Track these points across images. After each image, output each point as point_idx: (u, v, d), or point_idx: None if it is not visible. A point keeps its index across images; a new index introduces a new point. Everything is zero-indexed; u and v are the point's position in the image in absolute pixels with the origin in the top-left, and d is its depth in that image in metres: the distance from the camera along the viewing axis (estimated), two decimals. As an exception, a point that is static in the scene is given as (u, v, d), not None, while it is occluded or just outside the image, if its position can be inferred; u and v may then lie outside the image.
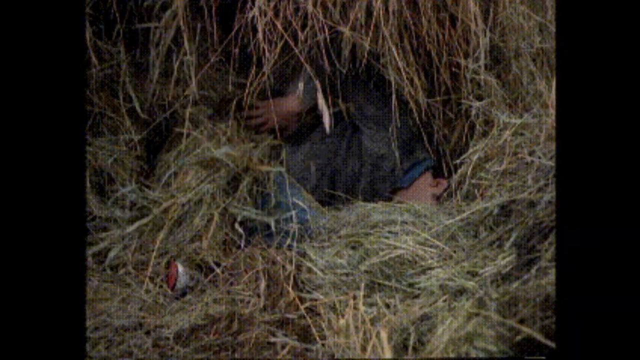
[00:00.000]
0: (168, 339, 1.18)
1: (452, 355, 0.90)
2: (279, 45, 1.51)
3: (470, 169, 1.55)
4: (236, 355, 1.12)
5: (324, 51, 1.55)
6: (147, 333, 1.21)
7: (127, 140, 1.74)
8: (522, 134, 1.51)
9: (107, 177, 1.68)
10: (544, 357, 0.84)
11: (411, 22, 1.62)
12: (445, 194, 1.69)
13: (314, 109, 1.79)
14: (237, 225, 1.55)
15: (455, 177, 1.65)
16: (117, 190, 1.62)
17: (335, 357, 1.05)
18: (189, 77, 1.62)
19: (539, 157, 1.30)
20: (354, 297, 1.16)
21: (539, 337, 0.83)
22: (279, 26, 1.49)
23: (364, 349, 1.01)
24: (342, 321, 1.09)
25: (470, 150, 1.62)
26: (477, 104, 1.66)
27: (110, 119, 1.76)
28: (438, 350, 0.92)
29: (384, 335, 0.97)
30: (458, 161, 1.67)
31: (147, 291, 1.35)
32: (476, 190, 1.53)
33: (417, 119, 1.71)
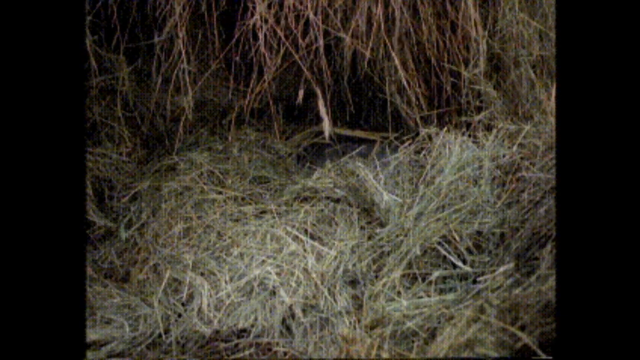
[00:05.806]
0: (170, 344, 1.18)
1: (452, 361, 0.90)
2: (281, 52, 1.51)
3: None
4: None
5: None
6: (148, 340, 1.20)
7: (129, 150, 1.74)
8: (521, 145, 1.50)
9: (107, 185, 1.68)
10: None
11: (412, 29, 1.62)
12: None
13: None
14: None
15: None
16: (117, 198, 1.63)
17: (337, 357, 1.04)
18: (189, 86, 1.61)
19: (535, 172, 1.30)
20: None
21: (536, 347, 0.83)
22: (280, 33, 1.49)
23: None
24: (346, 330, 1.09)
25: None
26: (477, 117, 1.66)
27: (110, 128, 1.76)
28: (440, 357, 0.92)
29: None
30: None
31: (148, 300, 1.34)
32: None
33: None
